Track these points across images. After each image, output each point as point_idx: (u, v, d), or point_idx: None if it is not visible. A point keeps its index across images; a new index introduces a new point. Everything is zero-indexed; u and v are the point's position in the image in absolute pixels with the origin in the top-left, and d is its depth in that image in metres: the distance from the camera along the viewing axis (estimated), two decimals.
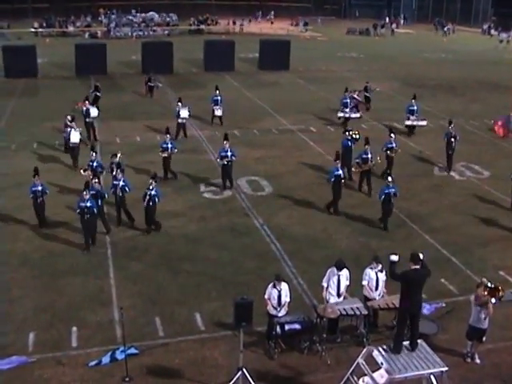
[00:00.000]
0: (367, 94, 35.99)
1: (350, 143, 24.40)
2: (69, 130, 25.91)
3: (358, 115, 32.12)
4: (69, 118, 26.61)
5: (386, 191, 19.69)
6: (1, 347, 13.96)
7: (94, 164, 21.85)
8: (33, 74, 45.44)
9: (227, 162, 22.74)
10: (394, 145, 24.10)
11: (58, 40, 66.52)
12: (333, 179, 20.93)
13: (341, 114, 31.98)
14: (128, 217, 20.17)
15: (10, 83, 42.75)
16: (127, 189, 19.89)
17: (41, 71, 46.52)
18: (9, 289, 16.41)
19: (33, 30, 71.01)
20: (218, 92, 32.33)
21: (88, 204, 18.09)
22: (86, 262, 17.82)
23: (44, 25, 72.88)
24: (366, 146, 23.05)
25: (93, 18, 76.16)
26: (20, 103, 37.02)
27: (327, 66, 51.59)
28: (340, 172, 20.92)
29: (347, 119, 31.78)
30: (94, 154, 22.33)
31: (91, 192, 18.90)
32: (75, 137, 25.55)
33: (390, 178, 19.95)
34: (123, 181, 19.86)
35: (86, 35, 69.81)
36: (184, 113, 29.04)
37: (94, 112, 29.09)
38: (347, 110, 31.84)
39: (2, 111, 34.58)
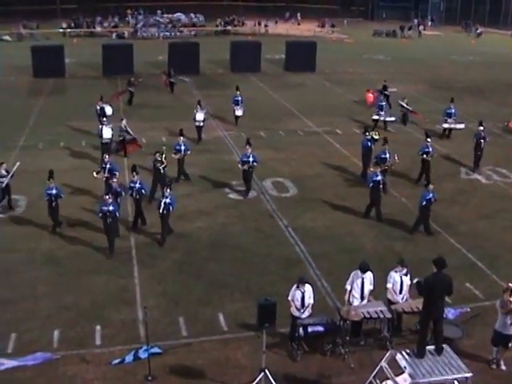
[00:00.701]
0: (386, 93, 35.99)
1: (369, 144, 24.39)
2: (100, 126, 26.27)
3: (392, 119, 31.92)
4: (124, 122, 26.74)
5: (428, 197, 19.52)
6: (26, 343, 14.11)
7: (108, 166, 21.66)
8: (60, 73, 45.86)
9: (248, 167, 22.60)
10: (430, 149, 23.79)
11: (86, 40, 67.06)
12: (371, 184, 20.75)
13: (375, 117, 31.78)
14: (142, 219, 20.22)
15: (39, 83, 43.21)
16: (143, 191, 19.94)
17: (68, 71, 46.95)
18: (34, 286, 16.56)
19: (61, 30, 71.74)
20: (238, 92, 32.40)
21: (110, 208, 18.06)
22: (111, 261, 17.93)
23: (72, 25, 73.59)
24: (384, 146, 23.10)
25: (120, 19, 76.68)
26: (48, 103, 37.38)
27: (353, 68, 51.38)
28: (379, 177, 20.65)
29: (377, 121, 31.63)
30: (106, 156, 22.19)
31: (109, 191, 19.39)
32: (107, 133, 25.99)
33: (431, 186, 19.76)
34: (139, 183, 19.88)
35: (113, 35, 70.31)
36: (200, 116, 28.80)
37: (108, 111, 29.51)
38: (382, 112, 31.63)
39: (31, 110, 34.96)
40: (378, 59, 57.69)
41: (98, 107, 29.68)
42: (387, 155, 22.92)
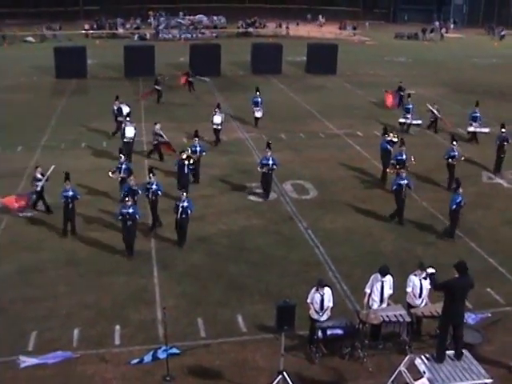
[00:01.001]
0: (402, 93, 36.02)
1: (388, 146, 24.33)
2: (123, 125, 26.54)
3: (419, 122, 31.71)
4: (158, 126, 26.63)
5: (458, 200, 19.39)
6: (47, 342, 14.23)
7: (123, 167, 21.73)
8: (83, 74, 46.23)
9: (268, 170, 22.53)
10: (456, 153, 23.61)
11: (108, 42, 67.49)
12: (395, 187, 20.62)
13: (402, 120, 31.65)
14: (157, 220, 20.21)
15: (61, 83, 43.57)
16: (159, 192, 19.92)
17: (90, 72, 47.29)
18: (56, 285, 16.70)
19: (83, 31, 72.28)
20: (258, 93, 32.56)
21: (130, 210, 17.97)
22: (131, 261, 18.00)
23: (94, 27, 74.14)
24: (402, 148, 23.08)
25: (142, 21, 77.10)
26: (70, 103, 37.68)
27: (375, 71, 51.21)
28: (404, 181, 20.47)
29: (409, 126, 31.50)
30: (122, 156, 22.16)
31: (125, 189, 19.70)
32: (130, 132, 26.24)
33: (460, 190, 19.61)
34: (156, 184, 19.90)
35: (135, 37, 70.67)
36: (217, 119, 28.73)
37: (125, 110, 29.65)
38: (409, 115, 31.47)
39: (53, 111, 35.25)
40: (400, 62, 57.46)
41: (115, 107, 29.80)
42: (404, 156, 22.86)
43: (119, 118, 29.43)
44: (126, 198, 18.16)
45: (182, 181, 22.26)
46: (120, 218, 18.12)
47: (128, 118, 26.83)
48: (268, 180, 22.77)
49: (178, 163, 22.40)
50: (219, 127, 28.92)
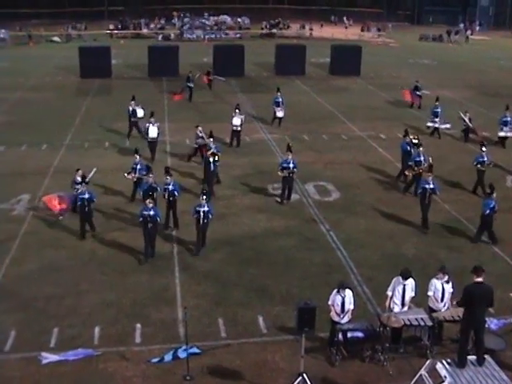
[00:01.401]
0: (418, 93, 35.98)
1: (409, 148, 24.26)
2: (147, 125, 26.78)
3: (447, 126, 31.31)
4: (200, 128, 26.19)
5: (491, 205, 19.23)
6: (68, 339, 14.34)
7: (138, 167, 21.75)
8: (107, 74, 46.54)
9: (289, 173, 22.37)
10: (485, 159, 23.32)
11: (132, 42, 67.95)
12: (419, 191, 20.42)
13: (430, 124, 31.37)
14: (175, 221, 20.21)
15: (85, 83, 43.91)
16: (176, 193, 19.85)
17: (114, 72, 47.61)
18: (77, 283, 16.81)
19: (108, 31, 72.82)
20: (279, 94, 32.75)
21: (151, 212, 17.77)
22: (152, 260, 18.04)
23: (119, 27, 74.65)
24: (420, 149, 23.03)
25: (166, 21, 77.45)
26: (94, 103, 37.95)
27: (399, 73, 50.96)
28: (429, 185, 20.15)
29: (436, 129, 31.24)
30: (137, 156, 22.12)
31: (144, 187, 20.01)
32: (153, 132, 26.56)
33: (494, 195, 19.44)
34: (172, 185, 19.86)
35: (160, 37, 71.06)
36: (236, 121, 28.60)
37: (140, 112, 29.84)
38: (437, 119, 31.17)
39: (77, 110, 35.54)
40: (424, 64, 57.10)
41: (130, 108, 29.90)
42: (422, 158, 22.85)
43: (133, 119, 29.80)
44: (148, 200, 18.03)
45: (207, 177, 22.77)
46: (141, 219, 18.01)
47: (152, 118, 26.94)
48: (289, 184, 22.60)
49: (205, 160, 22.90)
50: (238, 128, 28.81)
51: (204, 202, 18.28)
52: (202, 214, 18.16)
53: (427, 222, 20.42)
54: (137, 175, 21.64)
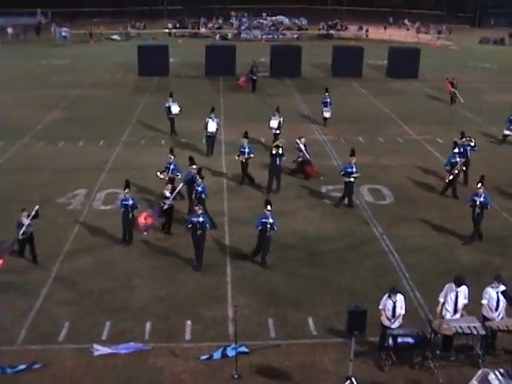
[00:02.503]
0: (455, 91, 37.18)
1: (467, 150, 24.08)
2: (207, 120, 27.41)
3: None
4: (303, 140, 24.69)
5: None
6: (120, 332, 14.59)
7: (172, 167, 21.71)
8: (164, 72, 47.08)
9: (352, 178, 21.88)
10: None
11: (190, 41, 68.55)
12: (470, 203, 19.55)
13: (507, 132, 30.39)
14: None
15: (143, 81, 44.53)
16: (203, 195, 19.73)
17: (172, 70, 48.13)
18: (130, 278, 17.07)
19: (166, 30, 73.66)
20: (327, 94, 32.92)
21: (200, 219, 17.41)
22: (205, 259, 18.12)
23: (177, 26, 75.40)
24: (455, 150, 23.02)
25: (224, 21, 77.92)
26: (151, 100, 38.38)
27: (458, 76, 49.88)
28: (480, 198, 19.24)
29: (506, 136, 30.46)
30: (172, 157, 22.00)
31: (188, 177, 20.47)
32: (212, 126, 27.28)
33: None
34: (202, 187, 19.78)
35: (217, 37, 71.52)
36: (274, 123, 28.26)
37: (175, 109, 30.35)
38: None
39: (135, 107, 36.09)
40: (484, 67, 56.00)
41: (167, 105, 30.48)
42: (457, 159, 22.84)
43: (170, 116, 30.49)
44: (197, 207, 17.67)
45: (273, 171, 23.16)
46: (190, 226, 17.58)
47: (212, 114, 27.63)
48: (351, 189, 22.19)
49: (270, 153, 23.22)
50: (276, 131, 28.32)
51: (269, 213, 17.59)
52: (268, 226, 17.50)
53: (480, 233, 19.74)
54: (169, 175, 21.60)
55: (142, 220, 18.77)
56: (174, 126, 30.79)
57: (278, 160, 23.12)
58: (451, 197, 23.16)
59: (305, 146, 24.57)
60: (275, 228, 17.73)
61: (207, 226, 17.71)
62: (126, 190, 18.89)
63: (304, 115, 35.36)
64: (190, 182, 20.68)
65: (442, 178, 24.58)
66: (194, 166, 20.81)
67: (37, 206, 17.88)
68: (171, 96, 30.73)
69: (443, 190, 23.49)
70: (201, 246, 17.67)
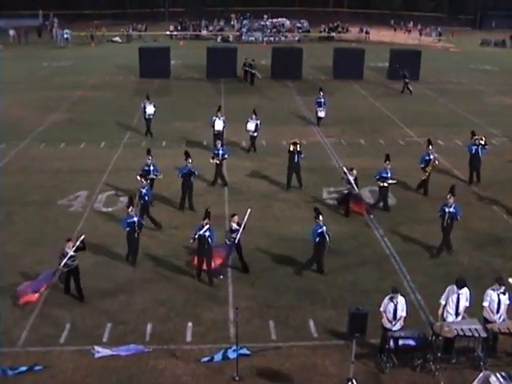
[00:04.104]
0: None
1: (476, 149, 24.33)
2: (214, 118, 27.90)
3: None
4: (354, 172, 21.84)
5: None
6: (121, 334, 14.59)
7: (151, 168, 21.88)
8: (166, 75, 47.13)
9: (387, 183, 21.90)
10: None
11: (192, 43, 68.60)
12: (439, 214, 18.85)
13: None
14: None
15: (144, 83, 44.50)
16: (147, 198, 19.78)
17: (173, 72, 48.16)
18: (131, 280, 17.06)
19: (168, 32, 73.70)
20: (321, 94, 33.27)
21: (207, 233, 16.55)
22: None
23: (179, 28, 75.46)
24: (429, 148, 23.61)
25: (225, 23, 77.99)
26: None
27: (458, 79, 50.15)
28: (450, 209, 18.49)
29: None
30: (150, 158, 22.15)
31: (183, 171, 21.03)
32: (219, 125, 27.76)
33: None
34: (146, 189, 19.79)
35: (219, 39, 71.58)
36: (250, 126, 28.04)
37: (149, 109, 30.62)
38: None
39: (136, 109, 36.00)
40: (485, 70, 56.00)
41: (142, 105, 30.94)
42: (431, 157, 23.37)
43: (146, 116, 30.80)
44: (205, 221, 16.69)
45: (293, 167, 23.54)
46: (194, 238, 16.79)
47: (219, 112, 28.06)
48: (386, 193, 22.16)
49: (288, 151, 23.41)
50: (254, 134, 28.21)
51: (322, 222, 17.28)
52: (327, 235, 17.31)
53: (449, 245, 19.07)
54: (150, 176, 21.76)
55: (216, 262, 17.04)
56: (149, 126, 30.94)
57: (296, 157, 23.34)
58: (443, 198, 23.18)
59: (355, 178, 21.58)
60: (329, 234, 17.50)
61: (210, 240, 16.74)
62: (130, 208, 17.67)
63: (305, 117, 35.36)
64: (188, 176, 21.28)
65: (443, 180, 24.62)
66: (190, 160, 21.22)
67: (82, 236, 15.99)
68: (148, 98, 31.03)
69: (418, 187, 24.04)
70: (208, 258, 16.86)
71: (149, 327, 14.93)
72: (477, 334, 13.38)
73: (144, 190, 19.81)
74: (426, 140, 24.54)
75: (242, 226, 17.18)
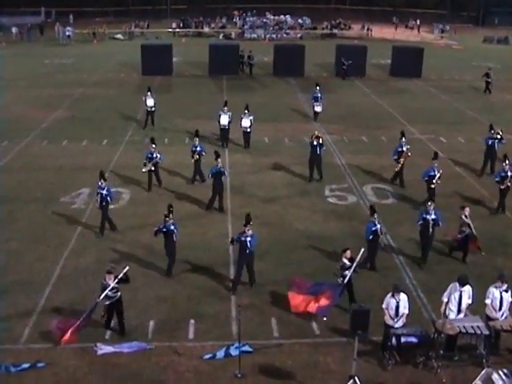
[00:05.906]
0: (488, 80, 38.13)
1: (492, 142, 24.88)
2: (219, 113, 28.18)
3: None
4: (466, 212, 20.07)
5: None
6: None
7: (154, 155, 22.86)
8: (168, 72, 47.10)
9: (434, 182, 21.92)
10: None
11: (194, 40, 68.53)
12: (420, 222, 18.22)
13: None
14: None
15: (147, 80, 44.37)
16: (109, 199, 19.71)
17: (175, 69, 48.12)
18: (134, 277, 16.96)
19: (170, 30, 73.62)
20: (318, 89, 33.56)
21: (248, 239, 16.24)
22: (209, 257, 18.18)
23: (181, 25, 75.38)
24: (402, 140, 24.23)
25: (227, 20, 77.88)
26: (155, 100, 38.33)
27: (461, 76, 50.03)
28: (431, 216, 17.95)
29: None
30: (153, 145, 23.14)
31: (213, 171, 21.03)
32: (225, 120, 27.99)
33: None
34: (106, 190, 19.64)
35: (221, 36, 71.47)
36: (245, 122, 28.10)
37: (149, 102, 31.34)
38: None
39: (138, 107, 35.99)
40: (488, 67, 55.73)
41: (144, 98, 31.59)
42: (404, 148, 24.08)
43: (147, 109, 31.52)
44: (246, 227, 16.20)
45: (313, 161, 24.14)
46: (235, 241, 16.42)
47: (225, 107, 28.24)
48: (433, 192, 21.93)
49: (311, 144, 23.94)
50: (248, 130, 28.35)
51: (376, 220, 17.38)
52: (380, 233, 17.78)
53: (426, 257, 18.28)
54: (152, 164, 22.68)
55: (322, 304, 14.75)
56: (153, 118, 31.80)
57: (318, 150, 24.00)
58: (451, 195, 23.17)
59: (470, 217, 18.97)
60: (382, 233, 18.00)
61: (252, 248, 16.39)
62: (170, 216, 16.97)
63: (307, 115, 35.29)
64: (218, 176, 21.28)
65: (446, 177, 24.59)
66: (219, 160, 21.27)
67: (126, 268, 14.73)
68: (149, 90, 31.65)
69: (393, 179, 24.50)
70: (250, 267, 16.67)
71: (151, 324, 14.96)
72: (479, 332, 13.38)
73: (105, 191, 19.53)
74: (400, 132, 25.24)
75: (355, 264, 15.09)
